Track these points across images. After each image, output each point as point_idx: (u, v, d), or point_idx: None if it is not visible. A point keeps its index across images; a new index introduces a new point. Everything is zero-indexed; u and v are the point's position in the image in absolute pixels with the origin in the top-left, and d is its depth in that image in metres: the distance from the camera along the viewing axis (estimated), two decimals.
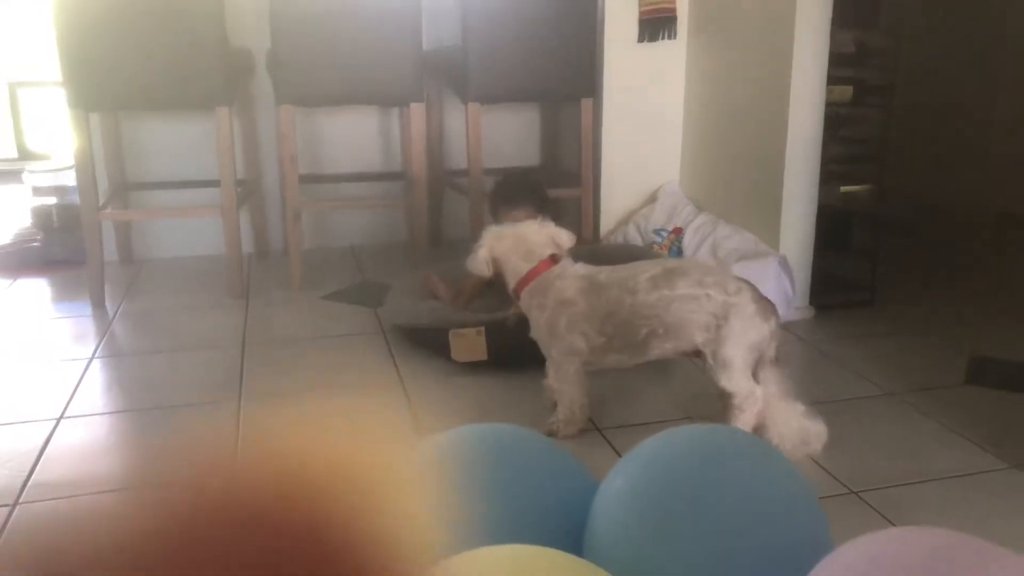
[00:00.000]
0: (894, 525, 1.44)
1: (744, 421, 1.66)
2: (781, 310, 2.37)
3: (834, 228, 2.63)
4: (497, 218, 2.32)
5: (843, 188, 2.76)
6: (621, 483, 0.95)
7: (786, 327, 2.38)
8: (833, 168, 2.55)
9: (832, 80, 2.40)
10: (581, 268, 1.77)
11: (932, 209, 3.51)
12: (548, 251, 1.76)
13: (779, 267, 2.39)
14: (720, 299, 1.64)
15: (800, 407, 1.68)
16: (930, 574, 0.73)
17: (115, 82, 2.50)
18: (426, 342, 2.20)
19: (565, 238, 1.79)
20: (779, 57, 2.38)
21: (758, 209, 2.54)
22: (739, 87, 2.63)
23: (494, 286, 2.40)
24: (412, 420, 1.84)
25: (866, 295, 2.58)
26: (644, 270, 1.69)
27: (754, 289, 1.69)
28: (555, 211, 2.39)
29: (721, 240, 2.56)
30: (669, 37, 2.86)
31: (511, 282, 1.78)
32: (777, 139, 2.41)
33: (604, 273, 1.73)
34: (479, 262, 1.79)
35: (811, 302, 2.49)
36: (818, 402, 1.93)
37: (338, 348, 2.28)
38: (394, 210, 3.35)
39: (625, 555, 0.89)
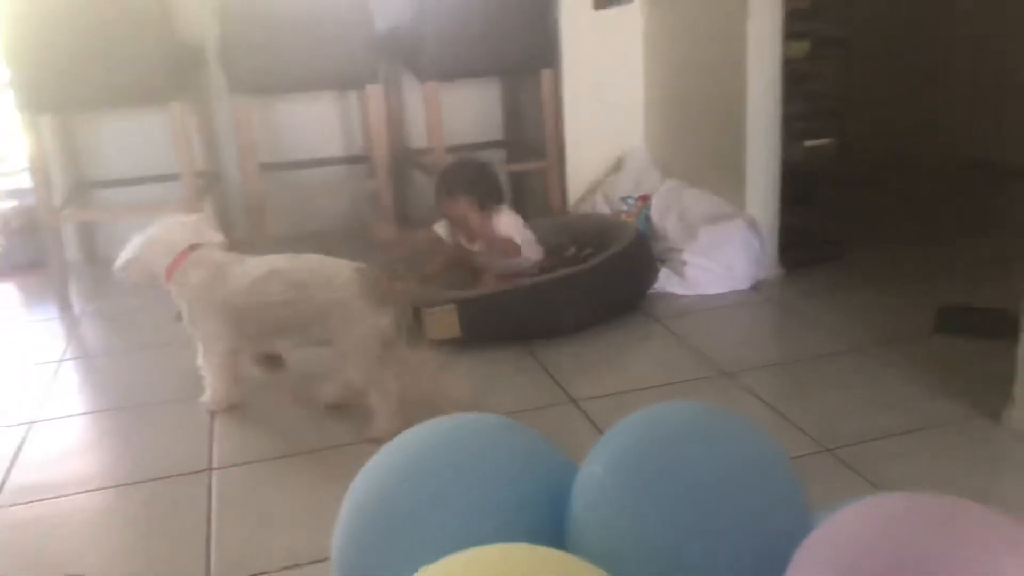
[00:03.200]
0: (868, 481, 1.46)
1: (379, 411, 1.68)
2: (751, 270, 2.40)
3: (799, 185, 2.64)
4: (440, 210, 2.31)
5: (806, 144, 2.78)
6: (598, 468, 0.95)
7: (756, 287, 2.40)
8: (795, 125, 2.56)
9: (789, 35, 2.39)
10: (217, 257, 1.81)
11: (896, 160, 3.53)
12: (188, 243, 1.81)
13: (747, 228, 2.40)
14: (321, 298, 1.67)
15: (446, 378, 1.71)
16: (927, 549, 0.71)
17: (62, 82, 2.45)
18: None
19: (209, 233, 1.85)
20: (734, 15, 2.37)
21: (723, 171, 2.54)
22: (696, 48, 2.62)
23: (460, 264, 2.41)
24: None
25: (834, 250, 2.59)
26: (252, 270, 1.75)
27: (369, 278, 1.69)
28: (501, 198, 2.38)
29: (689, 204, 2.56)
30: (625, 2, 2.84)
31: (161, 279, 1.82)
32: (737, 98, 2.41)
33: (236, 264, 1.78)
34: (127, 273, 1.84)
35: (780, 261, 2.50)
36: (788, 361, 1.96)
37: None
38: (357, 194, 3.32)
39: (606, 543, 0.88)
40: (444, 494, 0.94)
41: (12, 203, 3.23)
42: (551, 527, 0.95)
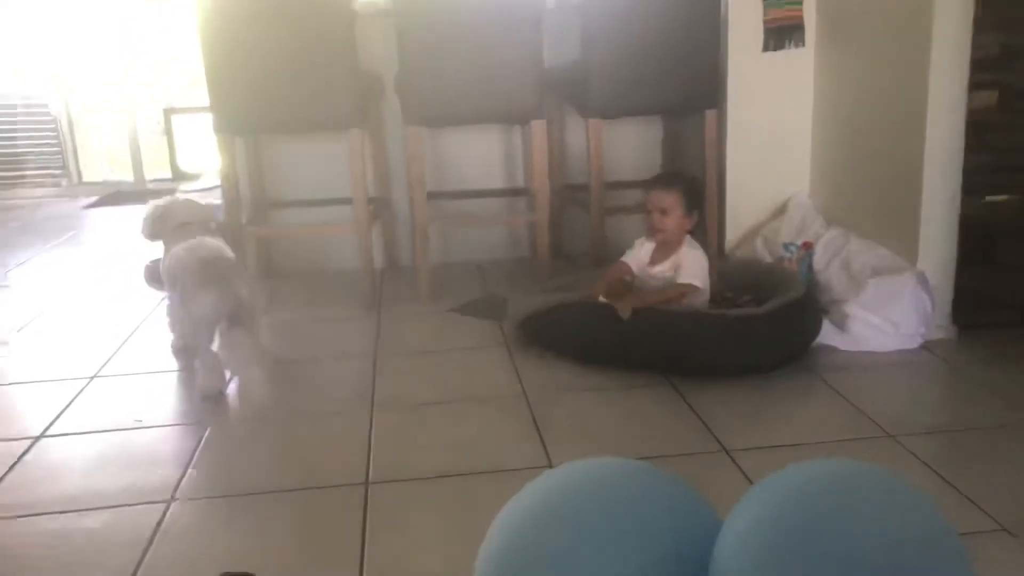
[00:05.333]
0: None
1: (201, 379, 2.12)
2: (920, 329, 2.28)
3: (978, 242, 2.49)
4: (647, 201, 2.35)
5: (988, 199, 2.61)
6: (744, 525, 0.90)
7: (925, 347, 2.28)
8: (977, 178, 2.42)
9: (974, 85, 2.28)
10: (186, 237, 2.18)
11: None
12: (180, 220, 2.27)
13: (917, 283, 2.28)
14: (170, 268, 2.16)
15: (256, 366, 2.15)
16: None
17: (258, 108, 2.66)
18: (553, 329, 2.29)
19: (203, 215, 2.33)
20: (915, 62, 2.28)
21: (894, 222, 2.44)
22: (872, 94, 2.54)
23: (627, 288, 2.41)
24: (538, 440, 1.87)
25: (1015, 314, 2.43)
26: (173, 249, 2.18)
27: (199, 255, 2.10)
28: (702, 208, 2.44)
29: (854, 255, 2.47)
30: (796, 45, 2.79)
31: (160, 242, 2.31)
32: (914, 148, 2.31)
33: (181, 243, 2.17)
34: (141, 229, 2.31)
35: (953, 320, 2.37)
36: (961, 428, 1.84)
37: (464, 359, 2.34)
38: (517, 226, 3.40)
39: None
40: (587, 539, 0.93)
41: None
42: None
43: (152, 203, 2.31)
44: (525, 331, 2.38)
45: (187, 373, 2.28)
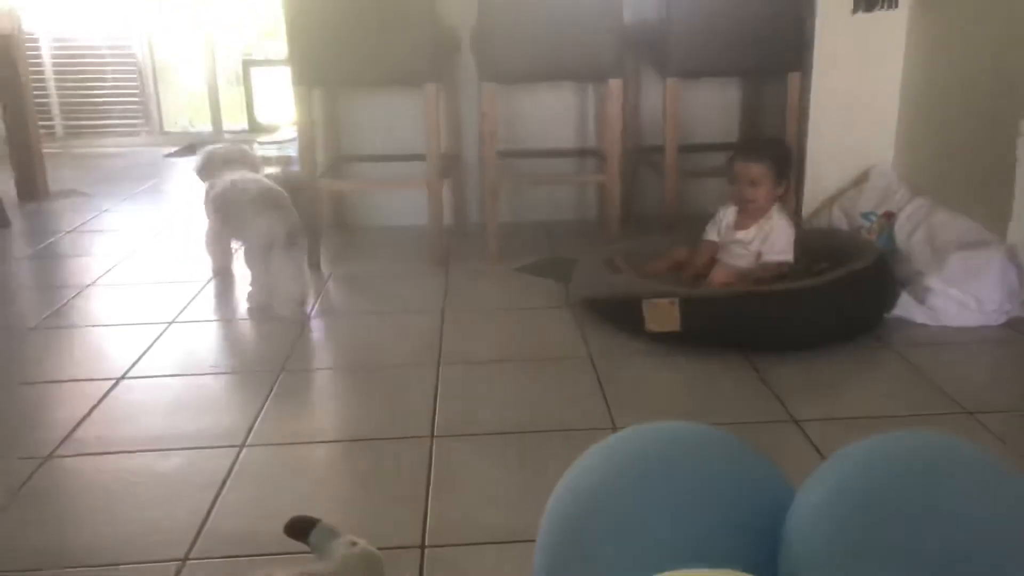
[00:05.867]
0: None
1: (252, 293, 2.44)
2: (1007, 306, 2.19)
3: None
4: (732, 172, 2.30)
5: None
6: (820, 496, 0.86)
7: (1011, 324, 2.19)
8: None
9: None
10: (243, 175, 2.51)
11: None
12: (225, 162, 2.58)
13: (1004, 258, 2.19)
14: (219, 195, 2.49)
15: (296, 284, 2.38)
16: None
17: (335, 60, 2.68)
18: (615, 314, 2.21)
19: (249, 160, 2.64)
20: (1018, 29, 2.16)
21: (984, 194, 2.33)
22: (969, 59, 2.42)
23: (680, 269, 2.39)
24: (602, 402, 1.86)
25: None
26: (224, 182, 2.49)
27: (264, 184, 2.44)
28: (790, 173, 2.38)
29: (938, 226, 2.38)
30: (889, 7, 2.67)
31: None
32: (1010, 117, 2.20)
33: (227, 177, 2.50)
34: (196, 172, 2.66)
35: None
36: None
37: (530, 319, 2.34)
38: (587, 187, 3.37)
39: None
40: (653, 502, 0.91)
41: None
42: (764, 554, 0.88)
43: (204, 148, 2.67)
44: (591, 307, 2.35)
45: (222, 288, 2.67)
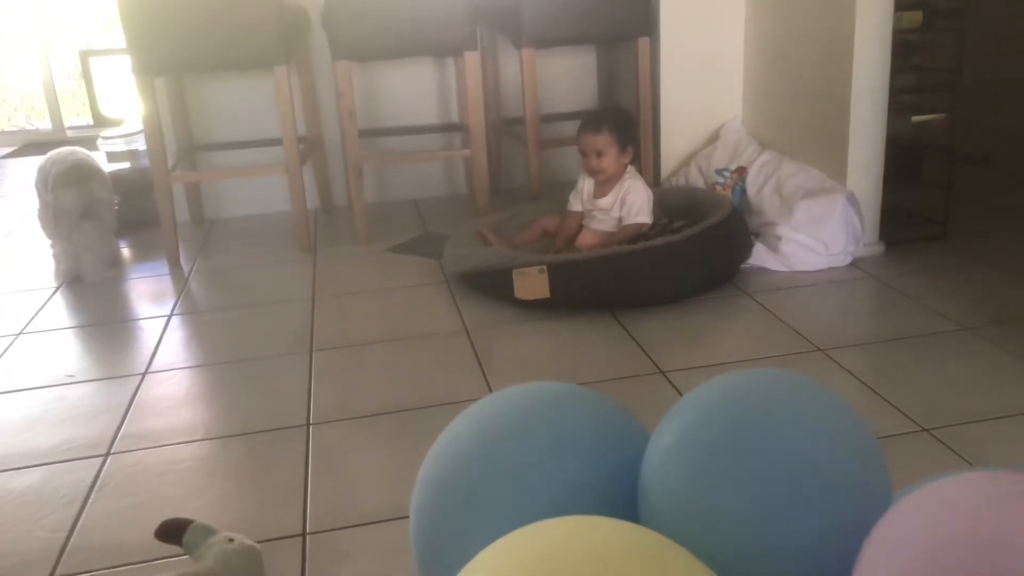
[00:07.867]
0: (969, 464, 1.42)
1: (58, 264, 2.60)
2: (850, 247, 2.33)
3: (904, 161, 2.54)
4: (580, 144, 2.34)
5: (914, 118, 2.66)
6: (669, 439, 0.92)
7: (855, 264, 2.33)
8: (903, 98, 2.46)
9: (900, 5, 2.30)
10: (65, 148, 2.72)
11: (1009, 137, 3.36)
12: None
13: (846, 203, 2.33)
14: (40, 169, 2.68)
15: (95, 255, 2.59)
16: (1003, 523, 0.67)
17: (176, 46, 2.55)
18: (489, 285, 2.23)
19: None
20: None
21: (824, 144, 2.47)
22: (801, 17, 2.54)
23: (550, 238, 2.43)
24: (480, 373, 1.88)
25: (938, 229, 2.50)
26: None
27: (65, 159, 2.63)
28: (637, 141, 2.45)
29: (786, 178, 2.50)
30: None
31: None
32: (842, 69, 2.33)
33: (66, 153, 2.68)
34: None
35: (881, 237, 2.43)
36: (887, 339, 1.91)
37: (404, 298, 2.33)
38: (453, 162, 3.36)
39: (675, 516, 0.86)
40: (518, 463, 0.94)
41: (127, 164, 3.40)
42: (624, 499, 0.93)
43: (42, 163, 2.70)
44: (465, 280, 2.37)
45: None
